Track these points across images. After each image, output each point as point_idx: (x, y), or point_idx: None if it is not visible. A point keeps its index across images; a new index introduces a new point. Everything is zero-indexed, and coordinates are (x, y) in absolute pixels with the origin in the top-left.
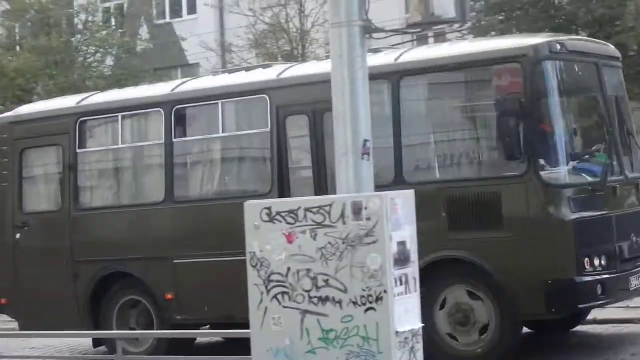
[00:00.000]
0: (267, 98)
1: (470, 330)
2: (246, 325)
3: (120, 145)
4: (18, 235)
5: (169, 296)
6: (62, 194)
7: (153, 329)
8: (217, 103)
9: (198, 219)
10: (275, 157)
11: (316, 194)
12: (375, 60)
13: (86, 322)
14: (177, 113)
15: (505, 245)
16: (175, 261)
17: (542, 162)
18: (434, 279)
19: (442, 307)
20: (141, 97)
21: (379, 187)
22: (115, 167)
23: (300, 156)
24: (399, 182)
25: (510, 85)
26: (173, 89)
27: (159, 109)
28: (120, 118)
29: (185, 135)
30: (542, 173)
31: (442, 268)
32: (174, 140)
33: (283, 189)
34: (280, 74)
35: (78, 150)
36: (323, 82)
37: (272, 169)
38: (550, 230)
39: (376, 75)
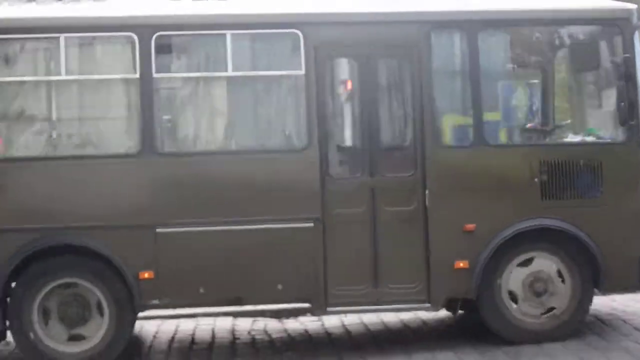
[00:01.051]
0: (301, 34)
1: (538, 302)
2: (252, 313)
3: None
4: None
5: (146, 274)
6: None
7: (92, 323)
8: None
9: (191, 176)
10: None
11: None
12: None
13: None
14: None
15: (603, 216)
16: (157, 230)
17: None
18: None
19: (524, 264)
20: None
21: (459, 148)
22: (66, 105)
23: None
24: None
25: (610, 48)
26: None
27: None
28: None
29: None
30: None
31: (534, 234)
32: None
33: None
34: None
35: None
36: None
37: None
38: None
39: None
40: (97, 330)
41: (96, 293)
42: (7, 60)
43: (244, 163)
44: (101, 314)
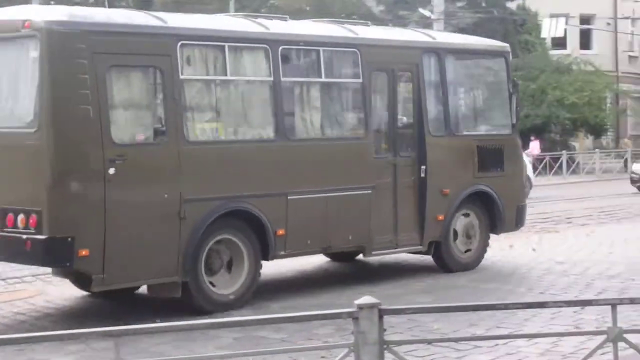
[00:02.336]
0: (359, 52)
1: (467, 242)
2: (338, 255)
3: (229, 77)
4: (111, 170)
5: (281, 232)
6: (166, 125)
7: (239, 271)
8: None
9: (307, 156)
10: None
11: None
12: None
13: (184, 270)
14: (283, 52)
15: (503, 182)
16: (289, 197)
17: None
18: None
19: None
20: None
21: (438, 136)
22: (225, 100)
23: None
24: None
25: (501, 71)
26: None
27: (266, 45)
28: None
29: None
30: None
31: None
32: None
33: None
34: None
35: (182, 77)
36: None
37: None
38: None
39: None
40: (239, 277)
41: (240, 247)
42: (189, 62)
43: (332, 147)
44: (242, 263)
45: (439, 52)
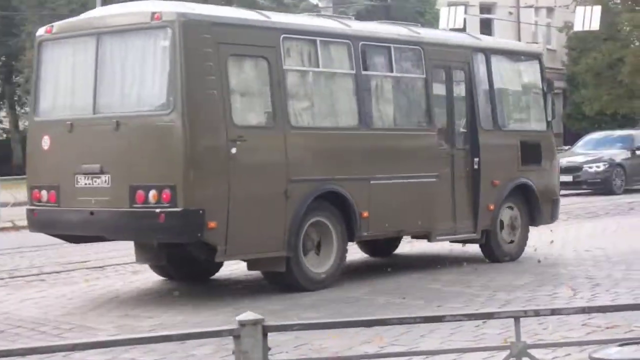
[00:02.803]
0: (422, 50)
1: (512, 233)
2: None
3: (321, 69)
4: (233, 150)
5: (365, 214)
6: (274, 110)
7: (328, 251)
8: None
9: (384, 144)
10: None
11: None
12: None
13: (289, 245)
14: (362, 48)
15: (541, 175)
16: (371, 182)
17: None
18: None
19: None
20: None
21: (488, 131)
22: (318, 89)
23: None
24: None
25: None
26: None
27: (349, 41)
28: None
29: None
30: None
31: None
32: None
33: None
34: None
35: (285, 67)
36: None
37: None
38: None
39: None
40: (329, 257)
41: (330, 228)
42: (290, 54)
43: (403, 137)
44: (331, 244)
45: (486, 53)
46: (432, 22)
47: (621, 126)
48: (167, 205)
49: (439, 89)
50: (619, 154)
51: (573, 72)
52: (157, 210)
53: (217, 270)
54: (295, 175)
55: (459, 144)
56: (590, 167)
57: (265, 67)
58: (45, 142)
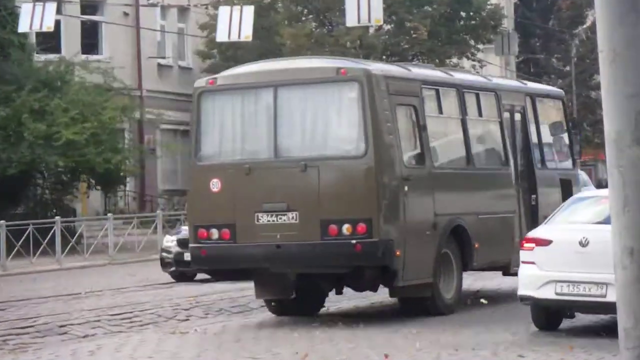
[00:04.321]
0: (497, 96)
1: None
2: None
3: (454, 116)
4: (406, 188)
5: (476, 245)
6: (422, 152)
7: (449, 279)
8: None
9: (484, 183)
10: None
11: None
12: None
13: (435, 272)
14: (464, 95)
15: None
16: (479, 217)
17: None
18: None
19: None
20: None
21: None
22: (444, 133)
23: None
24: None
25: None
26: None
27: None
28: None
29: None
30: None
31: None
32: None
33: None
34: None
35: (427, 114)
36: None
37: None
38: None
39: None
40: (451, 285)
41: (452, 258)
42: (425, 102)
43: (494, 176)
44: (452, 273)
45: (532, 96)
46: (9, 21)
47: None
48: (362, 236)
49: (507, 131)
50: None
51: None
52: (353, 241)
53: (322, 305)
54: (439, 210)
55: (522, 182)
56: None
57: (413, 114)
58: (215, 185)
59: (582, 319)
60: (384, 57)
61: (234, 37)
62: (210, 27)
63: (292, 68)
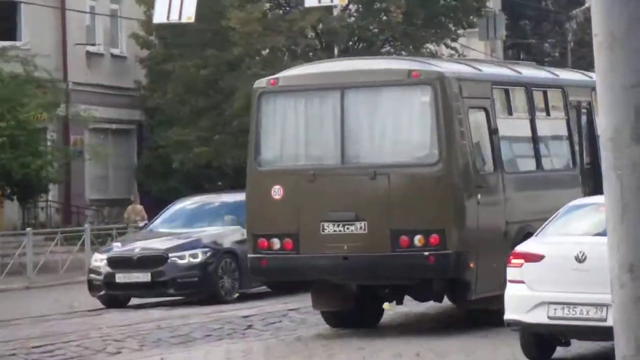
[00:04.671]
0: (563, 92)
1: None
2: None
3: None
4: (479, 196)
5: None
6: (493, 158)
7: None
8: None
9: (550, 184)
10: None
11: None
12: None
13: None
14: (533, 93)
15: None
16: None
17: None
18: None
19: None
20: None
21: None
22: (512, 135)
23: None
24: None
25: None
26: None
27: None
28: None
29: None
30: None
31: None
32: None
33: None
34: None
35: (497, 116)
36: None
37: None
38: None
39: None
40: None
41: None
42: (496, 103)
43: (561, 178)
44: None
45: (594, 89)
46: None
47: (233, 185)
48: (435, 248)
49: (574, 129)
50: (228, 235)
51: (156, 96)
52: (426, 253)
53: (380, 317)
54: (509, 217)
55: (588, 182)
56: (180, 258)
57: (484, 117)
58: (276, 192)
59: (579, 346)
60: (350, 43)
61: (174, 18)
62: (148, 3)
63: (361, 70)
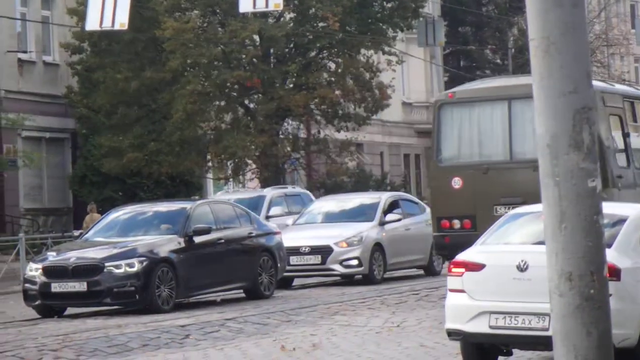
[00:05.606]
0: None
1: None
2: None
3: None
4: (619, 184)
5: None
6: (627, 155)
7: None
8: None
9: None
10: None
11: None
12: None
13: None
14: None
15: None
16: None
17: None
18: None
19: None
20: None
21: None
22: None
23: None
24: None
25: None
26: None
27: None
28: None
29: None
30: None
31: None
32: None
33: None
34: None
35: (629, 123)
36: None
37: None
38: None
39: None
40: None
41: None
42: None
43: None
44: None
45: None
46: None
47: (169, 194)
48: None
49: None
50: (164, 244)
51: (88, 103)
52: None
53: None
54: None
55: None
56: (116, 268)
57: (619, 122)
58: (456, 182)
59: (521, 356)
60: (286, 49)
61: (107, 25)
62: (79, 13)
63: (523, 84)
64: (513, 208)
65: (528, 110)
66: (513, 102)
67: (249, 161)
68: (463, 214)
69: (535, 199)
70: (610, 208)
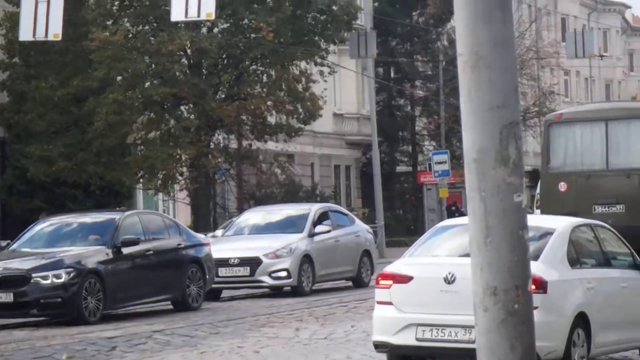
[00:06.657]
0: None
1: None
2: None
3: None
4: None
5: None
6: None
7: None
8: None
9: None
10: None
11: None
12: None
13: None
14: None
15: None
16: None
17: None
18: None
19: None
20: None
21: None
22: None
23: None
24: None
25: None
26: None
27: None
28: None
29: None
30: None
31: None
32: None
33: None
34: None
35: None
36: None
37: None
38: None
39: None
40: None
41: None
42: None
43: None
44: None
45: None
46: None
47: (99, 205)
48: None
49: None
50: (92, 255)
51: (18, 112)
52: None
53: None
54: None
55: None
56: (43, 279)
57: None
58: (562, 186)
59: None
60: (219, 59)
61: (40, 35)
62: (10, 24)
63: (618, 107)
64: (610, 208)
65: (620, 129)
66: (609, 122)
67: (178, 173)
68: (568, 211)
69: (627, 199)
70: (537, 221)
